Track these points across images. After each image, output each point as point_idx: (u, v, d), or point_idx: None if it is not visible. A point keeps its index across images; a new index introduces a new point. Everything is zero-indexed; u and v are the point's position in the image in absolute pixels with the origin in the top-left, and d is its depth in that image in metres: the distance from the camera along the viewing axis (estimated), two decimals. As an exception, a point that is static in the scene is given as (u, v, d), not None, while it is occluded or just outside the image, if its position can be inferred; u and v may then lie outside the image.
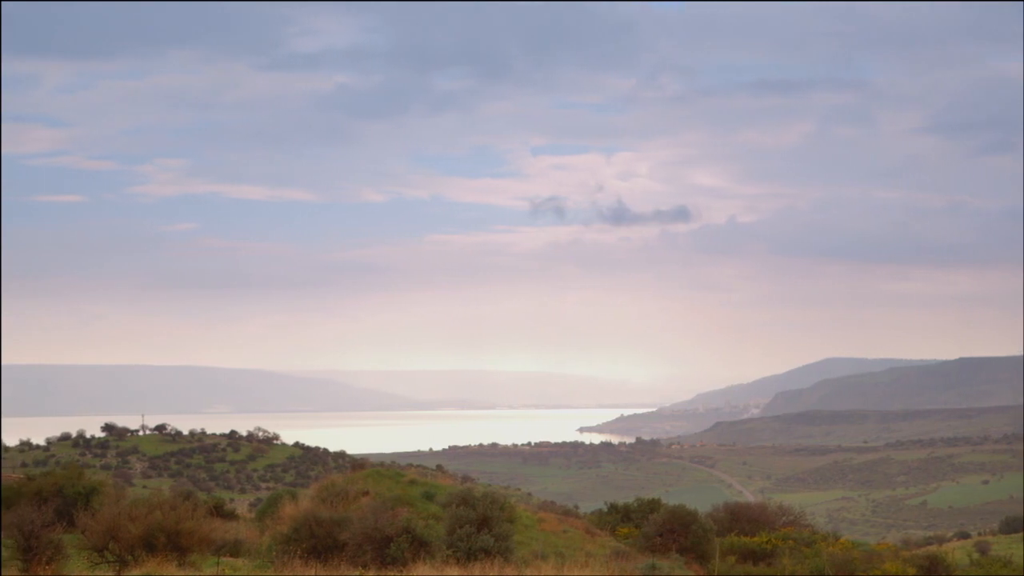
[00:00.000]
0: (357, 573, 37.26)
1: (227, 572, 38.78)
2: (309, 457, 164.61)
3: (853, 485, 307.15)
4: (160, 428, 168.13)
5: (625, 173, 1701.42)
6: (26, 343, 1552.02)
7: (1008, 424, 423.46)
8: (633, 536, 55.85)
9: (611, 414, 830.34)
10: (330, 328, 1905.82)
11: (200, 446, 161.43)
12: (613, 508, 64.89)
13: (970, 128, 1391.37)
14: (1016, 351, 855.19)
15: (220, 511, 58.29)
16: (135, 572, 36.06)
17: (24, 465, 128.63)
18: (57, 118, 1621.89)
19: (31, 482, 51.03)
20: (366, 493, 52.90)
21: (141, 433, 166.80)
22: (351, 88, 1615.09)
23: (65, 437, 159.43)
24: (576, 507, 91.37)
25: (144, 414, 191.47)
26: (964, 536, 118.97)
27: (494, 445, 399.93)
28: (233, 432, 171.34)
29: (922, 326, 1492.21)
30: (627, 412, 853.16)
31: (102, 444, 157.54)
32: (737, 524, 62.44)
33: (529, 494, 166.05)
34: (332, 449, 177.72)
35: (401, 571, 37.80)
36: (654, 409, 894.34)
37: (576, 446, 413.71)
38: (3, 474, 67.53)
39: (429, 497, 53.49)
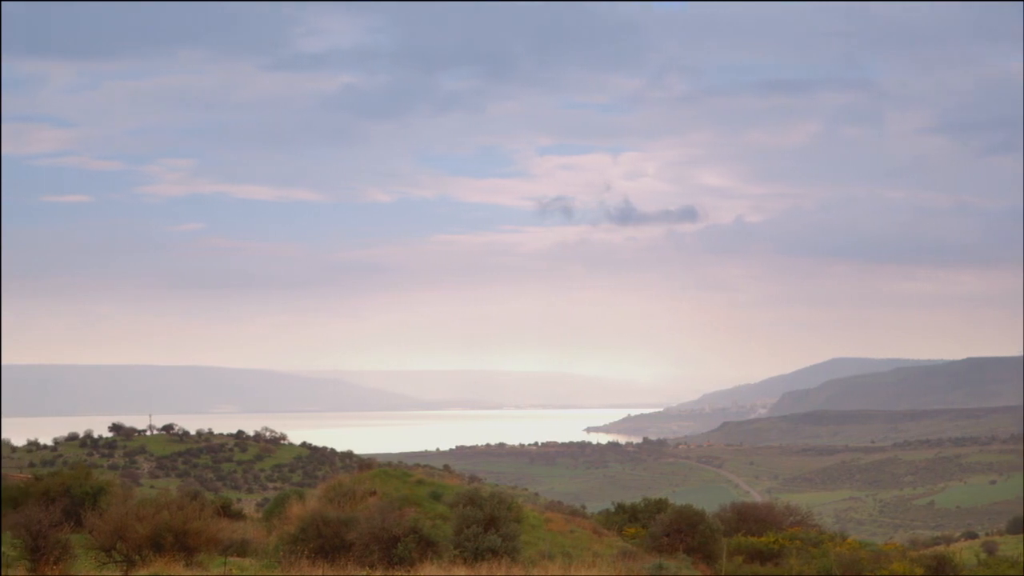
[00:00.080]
0: (364, 573, 37.28)
1: (234, 572, 38.84)
2: (316, 457, 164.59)
3: (860, 485, 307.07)
4: (167, 428, 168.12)
5: (632, 173, 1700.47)
6: (31, 343, 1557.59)
7: (1015, 424, 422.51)
8: (640, 536, 55.88)
9: (618, 414, 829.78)
10: (336, 328, 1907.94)
11: (207, 446, 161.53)
12: (620, 508, 64.93)
13: (976, 128, 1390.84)
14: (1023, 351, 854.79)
15: (227, 511, 58.32)
16: (142, 572, 36.10)
17: (32, 465, 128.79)
18: (63, 118, 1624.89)
19: (39, 482, 51.13)
20: (373, 493, 52.89)
21: (148, 433, 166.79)
22: (357, 88, 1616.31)
23: (72, 437, 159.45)
24: (583, 507, 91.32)
25: (151, 414, 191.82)
26: (972, 536, 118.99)
27: (501, 445, 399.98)
28: (240, 432, 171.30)
29: (929, 326, 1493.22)
30: (634, 412, 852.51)
31: (109, 444, 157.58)
32: (744, 524, 62.40)
33: (536, 494, 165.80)
34: (339, 449, 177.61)
35: (408, 571, 37.81)
36: (661, 409, 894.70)
37: (583, 446, 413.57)
38: (11, 474, 67.73)
39: (436, 497, 53.45)
